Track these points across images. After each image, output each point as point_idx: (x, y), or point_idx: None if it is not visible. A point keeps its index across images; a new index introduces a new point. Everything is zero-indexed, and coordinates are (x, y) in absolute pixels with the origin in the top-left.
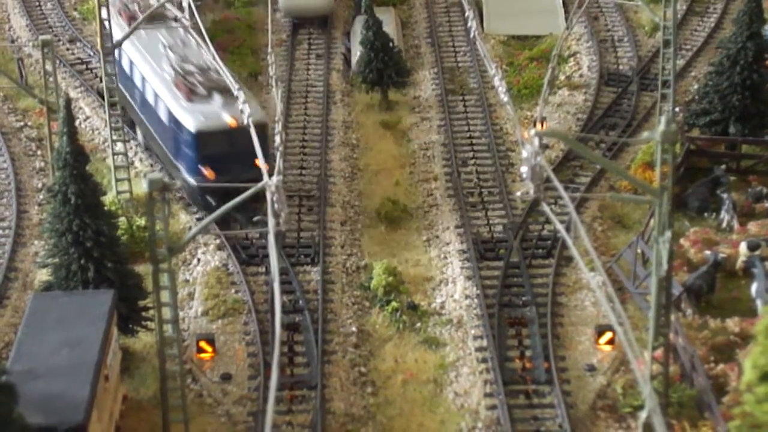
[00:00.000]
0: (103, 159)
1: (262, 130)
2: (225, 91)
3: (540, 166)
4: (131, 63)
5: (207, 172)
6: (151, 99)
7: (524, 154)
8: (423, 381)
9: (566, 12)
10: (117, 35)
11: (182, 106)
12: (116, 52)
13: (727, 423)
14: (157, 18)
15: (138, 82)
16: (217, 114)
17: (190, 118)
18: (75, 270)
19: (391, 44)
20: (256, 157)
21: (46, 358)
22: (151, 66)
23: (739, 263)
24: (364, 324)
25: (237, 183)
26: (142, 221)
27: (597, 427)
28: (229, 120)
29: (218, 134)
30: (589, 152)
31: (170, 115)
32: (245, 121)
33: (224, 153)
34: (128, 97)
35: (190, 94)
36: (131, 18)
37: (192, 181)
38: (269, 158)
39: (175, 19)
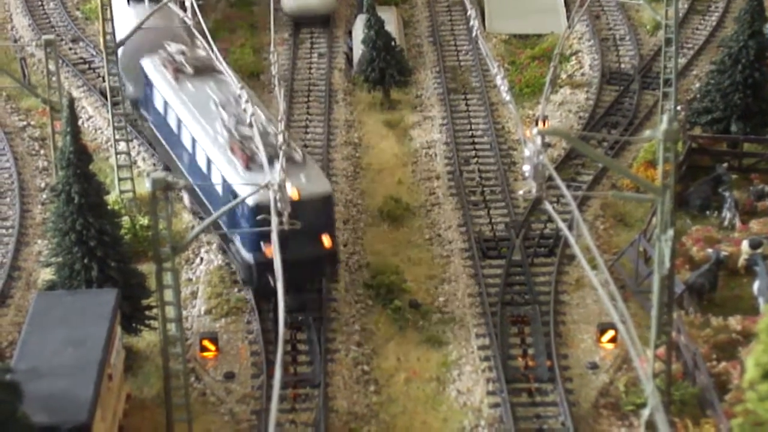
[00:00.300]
0: (106, 158)
1: (327, 202)
2: (287, 158)
3: (542, 165)
4: (179, 121)
5: (267, 249)
6: (202, 164)
7: (526, 152)
8: (426, 379)
9: (568, 11)
10: (164, 90)
11: (239, 175)
12: (163, 108)
13: (730, 421)
14: (204, 70)
15: (187, 143)
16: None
17: (249, 190)
18: (78, 269)
19: (393, 43)
20: (320, 231)
21: (50, 357)
22: (201, 126)
23: (741, 261)
24: (367, 322)
25: (300, 260)
26: (144, 220)
27: (600, 424)
28: (291, 192)
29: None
30: (591, 151)
31: (225, 184)
32: (308, 193)
33: (287, 229)
34: (174, 157)
35: (249, 161)
36: (177, 70)
37: (249, 258)
38: (334, 232)
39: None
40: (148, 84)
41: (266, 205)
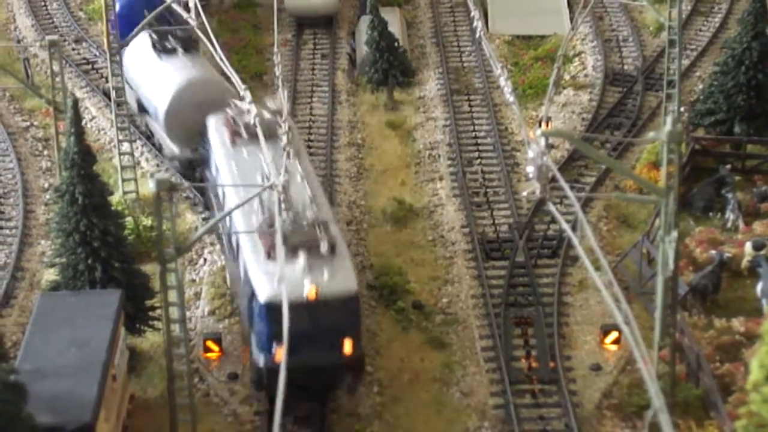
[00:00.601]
0: (110, 159)
1: (350, 303)
2: (313, 248)
3: (546, 166)
4: (224, 193)
5: (278, 352)
6: (234, 241)
7: (530, 153)
8: (429, 380)
9: (571, 12)
10: (217, 152)
11: (259, 263)
12: (215, 172)
13: (734, 422)
14: (266, 136)
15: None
16: (297, 281)
17: (263, 284)
18: (82, 270)
19: (396, 44)
20: (341, 335)
21: (54, 357)
22: (240, 199)
23: (745, 263)
24: (370, 323)
25: (315, 367)
26: (148, 221)
27: (603, 426)
28: (308, 290)
29: (294, 308)
30: (594, 152)
31: (246, 272)
32: (328, 292)
33: (301, 330)
34: (220, 228)
35: (272, 248)
36: (235, 133)
37: (259, 359)
38: (359, 336)
39: (283, 137)
40: (207, 144)
41: (279, 304)
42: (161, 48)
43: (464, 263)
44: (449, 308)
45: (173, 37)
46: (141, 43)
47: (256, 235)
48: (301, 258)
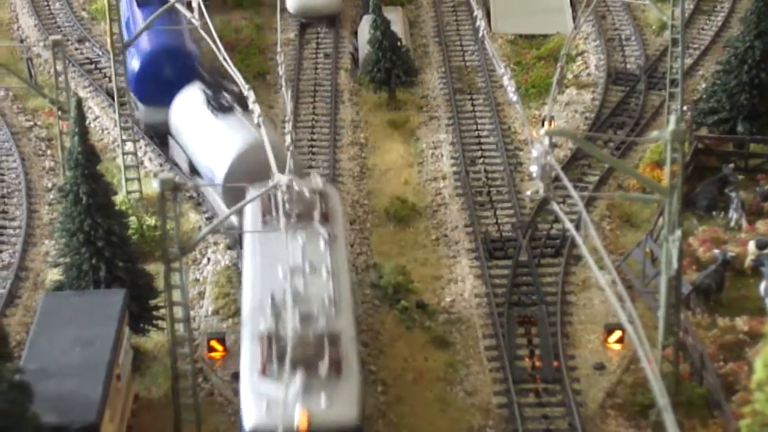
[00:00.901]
0: (113, 158)
1: None
2: (311, 366)
3: (549, 165)
4: (242, 272)
5: None
6: (240, 340)
7: (533, 153)
8: (433, 379)
9: (573, 11)
10: (246, 224)
11: (252, 379)
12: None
13: (738, 421)
14: (300, 218)
15: (238, 301)
16: (287, 407)
17: (250, 406)
18: (86, 269)
19: (398, 43)
20: None
21: (59, 357)
22: (252, 294)
23: (748, 262)
24: (374, 323)
25: None
26: (152, 220)
27: (607, 425)
28: (298, 418)
29: None
30: (598, 151)
31: (239, 383)
32: (323, 422)
33: None
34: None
35: (267, 364)
36: (267, 209)
37: None
38: None
39: (321, 218)
40: (243, 216)
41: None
42: (217, 105)
43: (467, 262)
44: (452, 307)
45: (228, 93)
46: (191, 99)
47: (257, 344)
48: (298, 378)
